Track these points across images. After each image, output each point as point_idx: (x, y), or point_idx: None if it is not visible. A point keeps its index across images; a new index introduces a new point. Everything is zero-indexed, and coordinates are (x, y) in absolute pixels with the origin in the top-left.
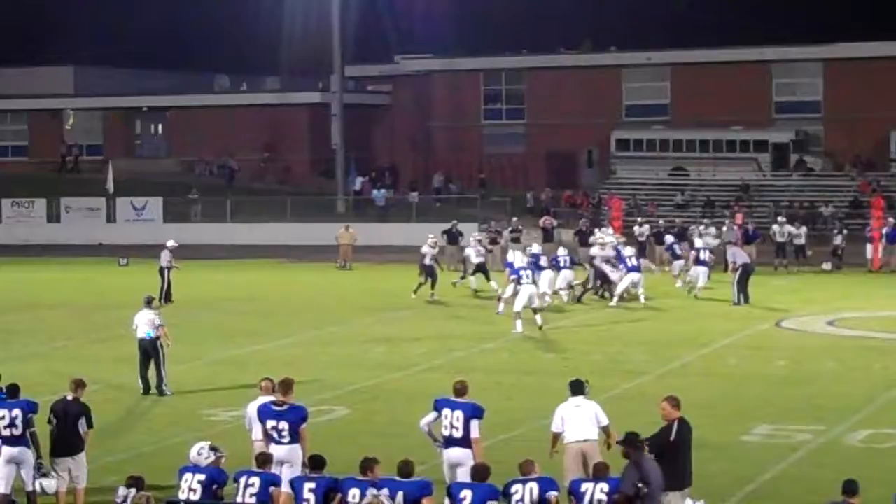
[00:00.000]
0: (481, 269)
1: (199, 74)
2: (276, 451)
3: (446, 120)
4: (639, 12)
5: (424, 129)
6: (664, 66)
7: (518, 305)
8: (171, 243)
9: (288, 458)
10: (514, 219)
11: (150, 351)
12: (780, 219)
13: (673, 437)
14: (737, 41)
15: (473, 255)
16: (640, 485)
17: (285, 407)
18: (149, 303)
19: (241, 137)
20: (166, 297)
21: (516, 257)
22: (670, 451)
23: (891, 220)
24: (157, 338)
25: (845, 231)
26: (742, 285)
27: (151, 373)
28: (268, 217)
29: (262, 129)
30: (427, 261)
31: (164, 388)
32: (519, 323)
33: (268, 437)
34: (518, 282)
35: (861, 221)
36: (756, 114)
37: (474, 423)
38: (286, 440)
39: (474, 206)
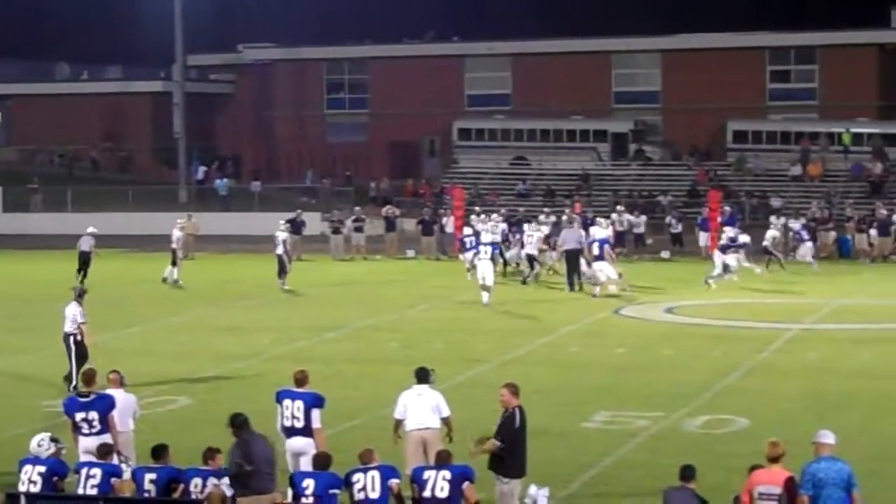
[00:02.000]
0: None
1: (40, 62)
2: (86, 442)
3: (289, 109)
4: (481, 3)
5: (267, 118)
6: (506, 56)
7: (480, 278)
8: (91, 229)
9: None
10: (357, 208)
11: (66, 345)
12: (619, 207)
13: (517, 424)
14: (577, 31)
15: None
16: (241, 462)
17: (91, 397)
18: (79, 296)
19: (83, 126)
20: (82, 279)
21: (483, 234)
22: (517, 439)
23: (727, 208)
24: (74, 333)
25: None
26: (570, 271)
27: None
28: (109, 207)
29: (104, 118)
30: (279, 250)
31: (72, 384)
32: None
33: (77, 430)
34: (476, 256)
35: (698, 210)
36: (596, 103)
37: (315, 413)
38: (97, 429)
39: (316, 196)
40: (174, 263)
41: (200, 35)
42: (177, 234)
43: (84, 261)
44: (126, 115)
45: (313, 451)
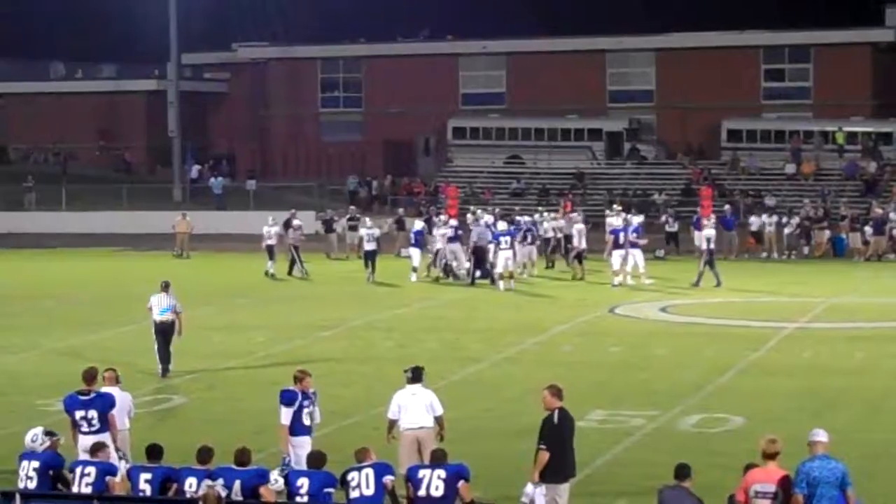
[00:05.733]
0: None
1: (34, 61)
2: (85, 440)
3: (284, 108)
4: (476, 1)
5: (262, 117)
6: (500, 54)
7: (499, 268)
8: (297, 222)
9: None
10: (352, 207)
11: (168, 332)
12: (614, 206)
13: (555, 422)
14: (571, 30)
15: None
16: None
17: (91, 395)
18: (166, 287)
19: (77, 125)
20: (303, 271)
21: (498, 224)
22: (557, 440)
23: (727, 207)
24: (173, 321)
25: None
26: (475, 265)
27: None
28: (103, 205)
29: (99, 117)
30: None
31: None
32: (501, 283)
33: (76, 428)
34: (497, 247)
35: (692, 209)
36: (590, 102)
37: (281, 409)
38: (96, 428)
39: (311, 195)
40: (272, 258)
41: (195, 33)
42: (271, 230)
43: (273, 254)
44: (120, 114)
45: (305, 450)
